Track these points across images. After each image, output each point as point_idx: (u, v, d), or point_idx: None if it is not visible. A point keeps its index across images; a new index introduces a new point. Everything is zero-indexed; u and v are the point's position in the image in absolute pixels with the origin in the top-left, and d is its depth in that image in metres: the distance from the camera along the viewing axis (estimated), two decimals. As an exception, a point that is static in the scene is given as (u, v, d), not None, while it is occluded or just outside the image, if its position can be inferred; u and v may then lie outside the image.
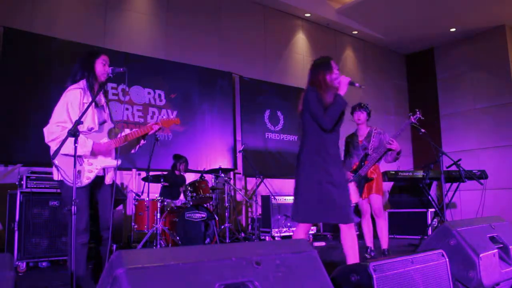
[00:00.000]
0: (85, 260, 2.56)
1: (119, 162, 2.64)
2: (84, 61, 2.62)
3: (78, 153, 2.35)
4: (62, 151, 2.29)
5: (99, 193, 2.66)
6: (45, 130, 2.46)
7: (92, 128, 2.55)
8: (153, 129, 2.74)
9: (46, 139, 2.46)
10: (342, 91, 2.69)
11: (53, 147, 2.42)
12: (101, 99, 2.69)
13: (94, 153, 2.53)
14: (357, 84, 2.82)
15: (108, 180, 2.67)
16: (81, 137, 2.42)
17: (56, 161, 2.41)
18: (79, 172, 2.47)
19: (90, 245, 2.59)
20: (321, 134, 2.69)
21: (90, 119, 2.54)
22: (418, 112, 4.01)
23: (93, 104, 2.53)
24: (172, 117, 3.02)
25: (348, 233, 2.71)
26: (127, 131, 2.73)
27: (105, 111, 2.69)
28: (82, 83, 2.59)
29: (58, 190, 4.24)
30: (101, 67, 2.62)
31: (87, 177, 2.51)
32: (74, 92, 2.50)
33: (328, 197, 2.63)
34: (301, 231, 2.76)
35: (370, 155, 4.08)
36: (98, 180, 2.61)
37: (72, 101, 2.47)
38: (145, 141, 2.88)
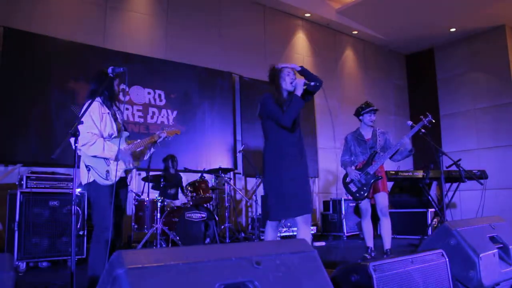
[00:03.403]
0: (106, 260, 2.76)
1: (136, 165, 3.02)
2: (102, 82, 2.89)
3: (106, 155, 2.79)
4: (91, 153, 2.75)
5: (122, 192, 3.00)
6: (79, 138, 2.71)
7: (112, 134, 2.91)
8: (160, 138, 3.11)
9: (79, 145, 2.71)
10: (299, 92, 2.99)
11: (84, 150, 2.78)
12: (116, 112, 3.05)
13: (117, 158, 2.86)
14: (312, 83, 3.05)
15: (128, 181, 3.09)
16: (108, 143, 2.83)
17: (85, 162, 2.80)
18: (108, 171, 2.84)
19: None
20: (278, 137, 3.00)
21: (110, 127, 2.90)
22: (429, 116, 4.10)
23: (111, 115, 2.93)
24: (175, 128, 3.40)
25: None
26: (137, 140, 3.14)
27: (120, 122, 3.05)
28: (99, 98, 2.93)
29: (58, 190, 4.27)
30: (117, 86, 3.00)
31: (114, 175, 2.85)
32: (94, 103, 2.85)
33: (290, 193, 2.93)
34: (271, 229, 3.05)
35: (378, 153, 4.06)
36: (122, 180, 2.97)
37: (94, 111, 2.82)
38: (155, 149, 3.23)
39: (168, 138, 3.18)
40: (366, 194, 4.03)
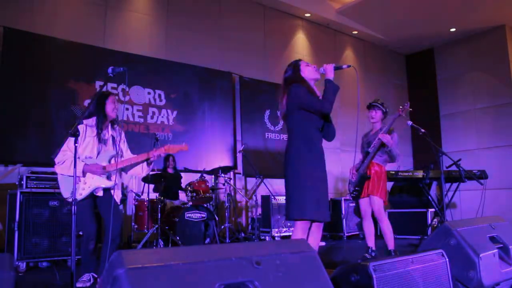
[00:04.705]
0: (93, 261, 3.06)
1: (112, 183, 3.07)
2: (96, 103, 3.07)
3: (70, 173, 2.87)
4: (60, 171, 2.95)
5: (101, 204, 3.10)
6: (57, 156, 2.99)
7: (90, 157, 3.03)
8: (153, 156, 3.10)
9: (55, 165, 2.99)
10: (330, 76, 2.76)
11: (56, 168, 2.98)
12: (107, 133, 3.12)
13: (85, 173, 3.00)
14: (344, 66, 2.84)
15: (118, 200, 3.14)
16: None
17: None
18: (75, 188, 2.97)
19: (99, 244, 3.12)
20: (311, 131, 2.73)
21: (89, 150, 3.03)
22: (406, 105, 3.96)
23: (97, 138, 3.05)
24: (179, 144, 3.23)
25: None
26: (129, 154, 3.23)
27: (109, 142, 3.12)
28: (92, 120, 3.06)
29: (58, 190, 4.26)
30: (111, 105, 3.07)
31: (79, 194, 2.98)
32: (81, 126, 2.99)
33: (324, 193, 2.72)
34: (300, 230, 2.70)
35: (370, 153, 3.97)
36: (99, 197, 3.08)
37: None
38: (150, 167, 3.24)
39: (158, 156, 3.13)
40: (358, 194, 4.00)
